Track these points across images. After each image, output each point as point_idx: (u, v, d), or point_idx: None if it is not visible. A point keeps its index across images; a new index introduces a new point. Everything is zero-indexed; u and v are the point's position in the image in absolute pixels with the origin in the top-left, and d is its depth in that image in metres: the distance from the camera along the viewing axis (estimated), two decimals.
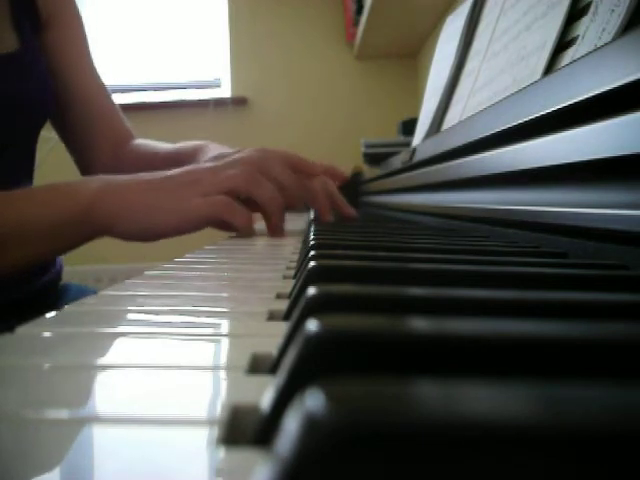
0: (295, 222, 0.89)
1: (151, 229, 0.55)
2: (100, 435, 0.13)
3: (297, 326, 0.17)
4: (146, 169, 0.59)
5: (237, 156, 0.60)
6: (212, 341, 0.22)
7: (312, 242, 0.36)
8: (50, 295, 0.80)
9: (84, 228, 0.54)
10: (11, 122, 0.68)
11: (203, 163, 0.62)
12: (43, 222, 0.52)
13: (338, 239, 0.44)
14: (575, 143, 0.34)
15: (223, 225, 0.60)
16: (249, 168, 0.58)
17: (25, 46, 0.71)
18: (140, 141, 0.88)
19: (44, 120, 0.77)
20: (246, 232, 0.60)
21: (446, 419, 0.08)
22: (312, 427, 0.08)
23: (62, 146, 0.86)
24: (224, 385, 0.16)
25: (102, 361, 0.19)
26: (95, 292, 0.36)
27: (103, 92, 0.86)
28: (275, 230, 0.65)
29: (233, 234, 0.67)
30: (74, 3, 0.84)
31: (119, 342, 0.21)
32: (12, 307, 0.68)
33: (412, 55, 2.42)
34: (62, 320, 0.25)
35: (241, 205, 0.58)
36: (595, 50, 0.33)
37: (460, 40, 0.87)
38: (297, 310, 0.19)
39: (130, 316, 0.26)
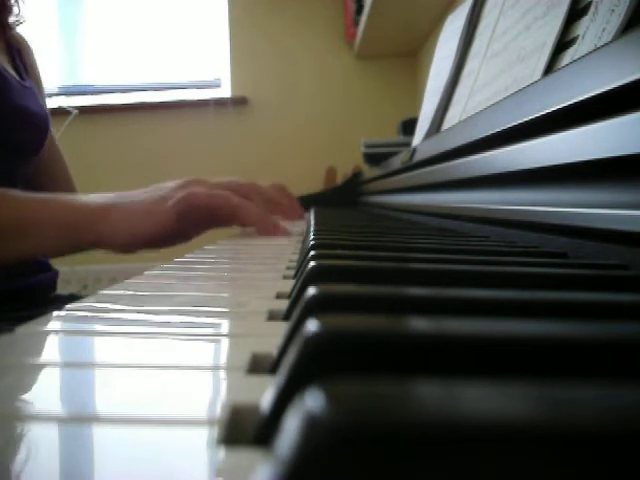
0: (295, 222, 0.89)
1: (136, 238, 0.64)
2: (100, 435, 0.13)
3: (297, 326, 0.17)
4: None
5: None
6: (212, 341, 0.22)
7: (312, 242, 0.36)
8: (44, 294, 0.84)
9: (78, 237, 0.64)
10: (21, 129, 0.81)
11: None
12: (52, 222, 0.63)
13: (338, 239, 0.44)
14: (575, 143, 0.33)
15: (199, 212, 0.66)
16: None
17: (23, 79, 0.85)
18: None
19: (45, 135, 0.87)
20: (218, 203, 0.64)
21: (445, 419, 0.08)
22: (312, 427, 0.08)
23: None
24: (224, 385, 0.16)
25: (102, 361, 0.19)
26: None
27: (63, 162, 0.98)
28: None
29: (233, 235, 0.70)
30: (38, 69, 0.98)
31: (119, 342, 0.21)
32: (6, 297, 0.75)
33: (412, 55, 2.42)
34: (62, 320, 0.25)
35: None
36: (595, 50, 0.33)
37: (460, 40, 0.87)
38: (297, 310, 0.19)
39: (130, 316, 0.26)
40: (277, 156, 2.46)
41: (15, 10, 0.87)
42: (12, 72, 0.84)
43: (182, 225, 0.63)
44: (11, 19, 0.88)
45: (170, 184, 0.67)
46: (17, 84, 0.81)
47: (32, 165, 0.87)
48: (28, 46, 0.95)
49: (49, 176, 0.92)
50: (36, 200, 0.66)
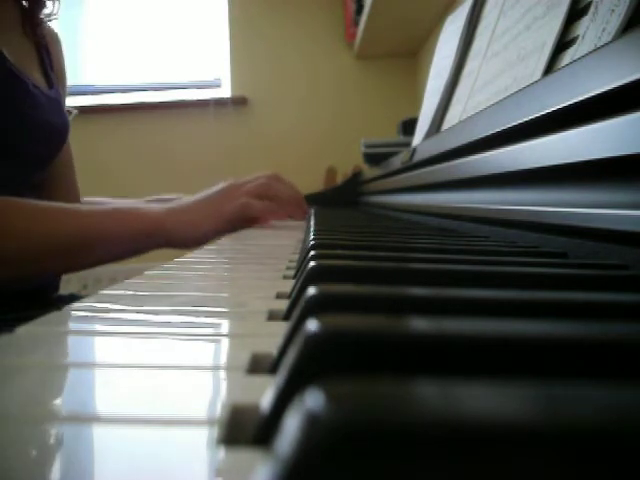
0: (295, 222, 0.90)
1: (200, 236, 0.77)
2: (100, 435, 0.13)
3: (297, 326, 0.17)
4: None
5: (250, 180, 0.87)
6: (212, 341, 0.22)
7: (312, 242, 0.36)
8: (47, 295, 0.84)
9: (151, 240, 0.75)
10: (42, 142, 0.83)
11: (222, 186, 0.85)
12: (122, 233, 0.72)
13: (338, 239, 0.44)
14: (575, 143, 0.33)
15: (250, 220, 0.81)
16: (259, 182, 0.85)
17: (52, 87, 0.86)
18: (87, 199, 1.03)
19: (62, 144, 0.89)
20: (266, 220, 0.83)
21: (445, 419, 0.08)
22: (312, 426, 0.08)
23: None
24: (224, 385, 0.16)
25: (102, 361, 0.19)
26: None
27: (72, 164, 0.99)
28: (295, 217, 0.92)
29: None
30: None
31: (119, 342, 0.21)
32: (8, 300, 0.75)
33: (412, 55, 2.41)
34: (62, 320, 0.25)
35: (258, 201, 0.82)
36: (595, 50, 0.33)
37: (460, 40, 0.87)
38: (297, 310, 0.19)
39: (130, 316, 0.26)
40: (277, 156, 2.45)
41: (49, 6, 0.86)
42: (41, 81, 0.83)
43: (231, 227, 0.78)
44: (43, 15, 0.86)
45: (220, 189, 0.81)
46: (44, 97, 0.80)
47: (46, 171, 0.87)
48: (57, 40, 0.93)
49: (59, 179, 0.92)
50: (100, 213, 0.73)
